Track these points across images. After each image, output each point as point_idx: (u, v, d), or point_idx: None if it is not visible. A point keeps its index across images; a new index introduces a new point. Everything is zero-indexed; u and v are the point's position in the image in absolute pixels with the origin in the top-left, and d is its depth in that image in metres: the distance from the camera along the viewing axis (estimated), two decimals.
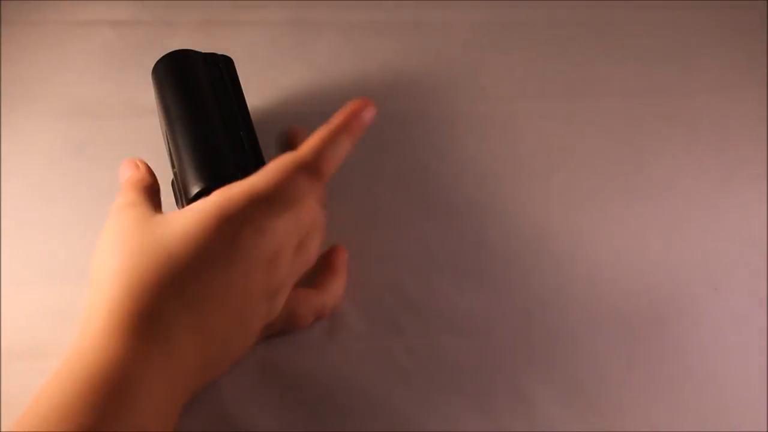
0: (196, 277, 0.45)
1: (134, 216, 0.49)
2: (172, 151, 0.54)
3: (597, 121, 0.67)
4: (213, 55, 0.59)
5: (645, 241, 0.60)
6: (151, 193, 0.52)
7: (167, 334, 0.44)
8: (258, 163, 0.53)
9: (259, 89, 0.69)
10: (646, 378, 0.53)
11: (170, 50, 0.58)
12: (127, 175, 0.54)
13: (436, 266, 0.58)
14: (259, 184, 0.47)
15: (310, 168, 0.48)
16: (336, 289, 0.55)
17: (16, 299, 0.56)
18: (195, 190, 0.51)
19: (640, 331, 0.55)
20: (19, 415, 0.43)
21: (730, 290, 0.57)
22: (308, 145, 0.49)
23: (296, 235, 0.49)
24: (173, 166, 0.54)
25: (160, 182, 0.54)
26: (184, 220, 0.46)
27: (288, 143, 0.54)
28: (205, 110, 0.55)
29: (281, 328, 0.53)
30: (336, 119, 0.50)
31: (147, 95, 0.68)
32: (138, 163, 0.54)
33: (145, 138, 0.64)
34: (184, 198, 0.52)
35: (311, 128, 0.51)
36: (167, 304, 0.44)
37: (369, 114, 0.51)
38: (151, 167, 0.54)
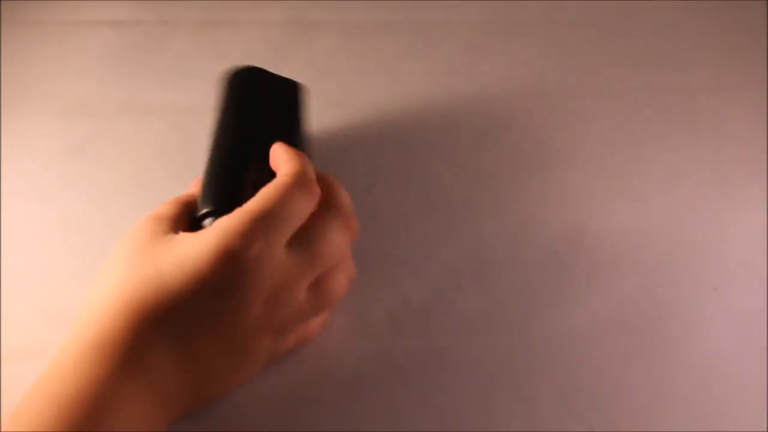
0: (184, 305, 0.44)
1: (148, 230, 0.47)
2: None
3: (597, 121, 0.67)
4: (287, 81, 0.57)
5: (645, 240, 0.60)
6: (187, 210, 0.50)
7: (147, 361, 0.43)
8: None
9: None
10: (646, 378, 0.53)
11: (249, 65, 0.57)
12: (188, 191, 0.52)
13: (435, 266, 0.58)
14: (259, 207, 0.45)
15: (308, 185, 0.47)
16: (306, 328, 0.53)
17: (16, 299, 0.56)
18: (202, 210, 0.49)
19: (640, 331, 0.55)
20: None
21: (730, 290, 0.57)
22: (296, 162, 0.48)
23: (308, 269, 0.46)
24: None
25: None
26: (184, 245, 0.45)
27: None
28: (246, 134, 0.53)
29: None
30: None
31: (147, 95, 0.68)
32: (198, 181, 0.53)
33: (145, 138, 0.64)
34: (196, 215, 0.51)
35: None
36: (151, 329, 0.43)
37: None
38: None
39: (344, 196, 0.48)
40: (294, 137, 0.54)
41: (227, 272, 0.44)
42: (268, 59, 0.71)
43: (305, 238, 0.46)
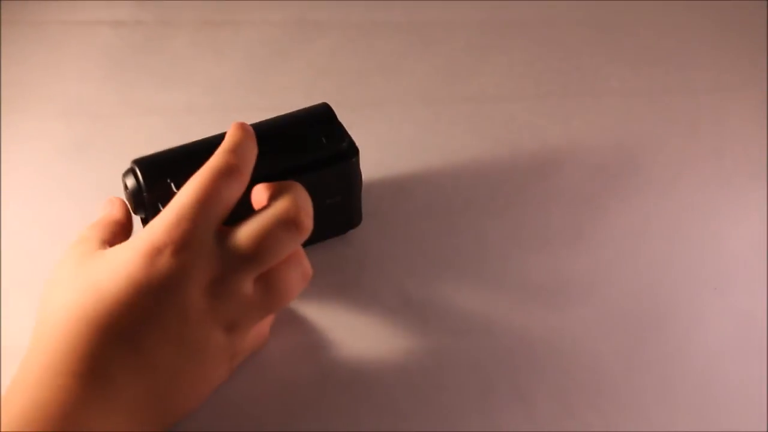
0: (126, 309, 0.44)
1: (78, 252, 0.48)
2: None
3: (596, 121, 0.67)
4: (350, 145, 0.55)
5: (645, 241, 0.60)
6: (114, 230, 0.51)
7: (104, 373, 0.43)
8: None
9: (259, 89, 0.69)
10: (646, 378, 0.53)
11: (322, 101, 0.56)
12: (102, 213, 0.53)
13: (435, 266, 0.58)
14: (181, 199, 0.46)
15: (232, 170, 0.47)
16: (259, 328, 0.52)
17: (16, 299, 0.56)
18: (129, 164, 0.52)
19: (640, 331, 0.55)
20: None
21: (730, 290, 0.57)
22: (221, 149, 0.48)
23: (246, 261, 0.46)
24: None
25: None
26: (116, 254, 0.46)
27: None
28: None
29: None
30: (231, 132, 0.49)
31: (147, 95, 0.68)
32: (113, 200, 0.54)
33: (145, 138, 0.64)
34: None
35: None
36: (101, 341, 0.43)
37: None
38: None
39: (293, 197, 0.47)
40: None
41: (157, 267, 0.44)
42: (268, 59, 0.71)
43: (242, 230, 0.46)
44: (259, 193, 0.49)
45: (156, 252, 0.44)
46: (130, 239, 0.47)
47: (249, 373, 0.53)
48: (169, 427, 0.47)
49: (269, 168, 0.53)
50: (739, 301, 0.56)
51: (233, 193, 0.47)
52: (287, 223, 0.47)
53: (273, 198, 0.48)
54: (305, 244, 0.58)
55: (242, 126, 0.49)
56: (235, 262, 0.46)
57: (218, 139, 0.54)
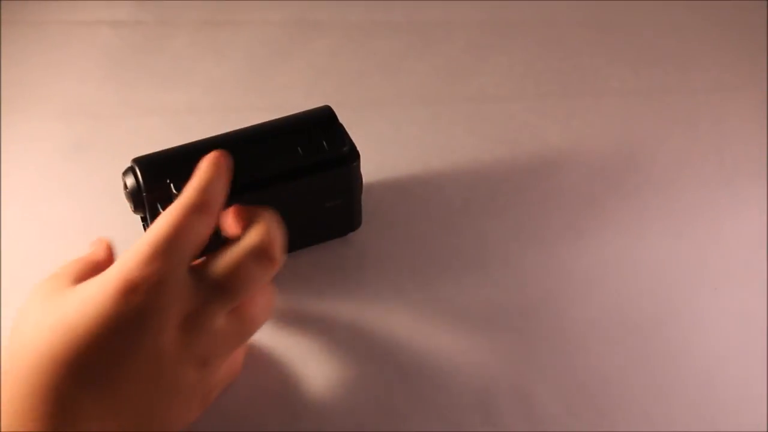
0: (96, 347, 0.42)
1: (48, 287, 0.46)
2: None
3: (596, 121, 0.67)
4: (351, 149, 0.55)
5: (645, 240, 0.60)
6: (90, 268, 0.49)
7: (74, 415, 0.42)
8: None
9: (259, 89, 0.69)
10: (646, 378, 0.53)
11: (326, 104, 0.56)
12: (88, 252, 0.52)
13: (435, 266, 0.58)
14: (153, 234, 0.44)
15: (203, 207, 0.46)
16: (232, 361, 0.51)
17: (16, 299, 0.56)
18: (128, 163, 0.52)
19: (640, 331, 0.55)
20: None
21: (730, 290, 0.57)
22: (191, 186, 0.46)
23: (219, 295, 0.45)
24: None
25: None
26: (87, 289, 0.44)
27: None
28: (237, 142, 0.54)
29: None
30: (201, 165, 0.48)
31: (147, 95, 0.68)
32: (101, 240, 0.52)
33: (145, 138, 0.64)
34: None
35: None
36: (71, 382, 0.42)
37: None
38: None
39: (266, 227, 0.47)
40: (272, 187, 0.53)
41: (130, 303, 0.42)
42: (268, 59, 0.71)
43: (215, 264, 0.45)
44: (230, 219, 0.48)
45: (129, 289, 0.43)
46: (102, 273, 0.44)
47: (250, 373, 0.53)
48: None
49: (269, 170, 0.53)
50: (739, 301, 0.56)
51: (204, 230, 0.46)
52: (260, 256, 0.46)
53: (246, 226, 0.47)
54: (305, 245, 0.58)
55: (215, 162, 0.48)
56: (209, 297, 0.45)
57: (218, 139, 0.54)
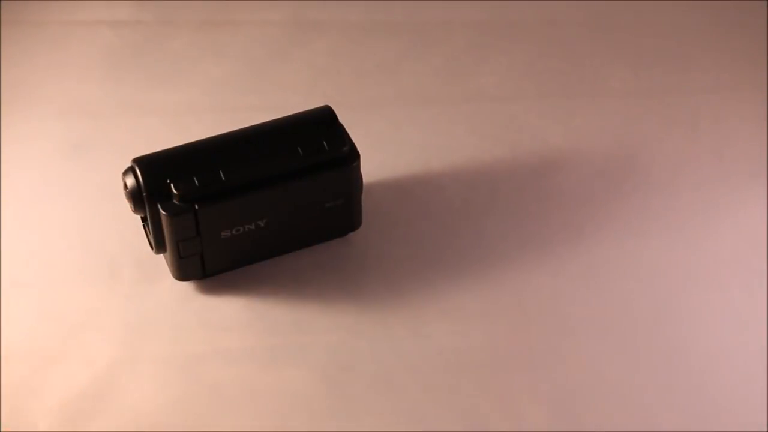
0: None
1: None
2: None
3: (596, 121, 0.67)
4: (351, 149, 0.55)
5: (644, 240, 0.60)
6: None
7: None
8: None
9: (259, 89, 0.69)
10: (646, 378, 0.53)
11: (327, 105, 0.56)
12: None
13: (435, 266, 0.58)
14: None
15: None
16: None
17: (16, 299, 0.56)
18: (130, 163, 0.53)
19: (640, 331, 0.55)
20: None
21: (730, 290, 0.57)
22: None
23: None
24: None
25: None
26: None
27: None
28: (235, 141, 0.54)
29: None
30: None
31: (147, 95, 0.68)
32: None
33: (145, 138, 0.64)
34: None
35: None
36: None
37: None
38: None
39: None
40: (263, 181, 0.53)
41: None
42: (268, 59, 0.71)
43: None
44: None
45: None
46: None
47: (248, 375, 0.53)
48: None
49: (269, 170, 0.53)
50: (739, 301, 0.56)
51: None
52: None
53: None
54: (305, 245, 0.58)
55: None
56: None
57: (218, 139, 0.54)
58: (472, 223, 0.60)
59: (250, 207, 0.53)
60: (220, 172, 0.52)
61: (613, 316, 0.56)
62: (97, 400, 0.52)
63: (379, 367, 0.53)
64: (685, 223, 0.61)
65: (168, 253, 0.55)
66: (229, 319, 0.55)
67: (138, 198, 0.52)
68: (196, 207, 0.52)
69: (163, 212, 0.52)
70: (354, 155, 0.55)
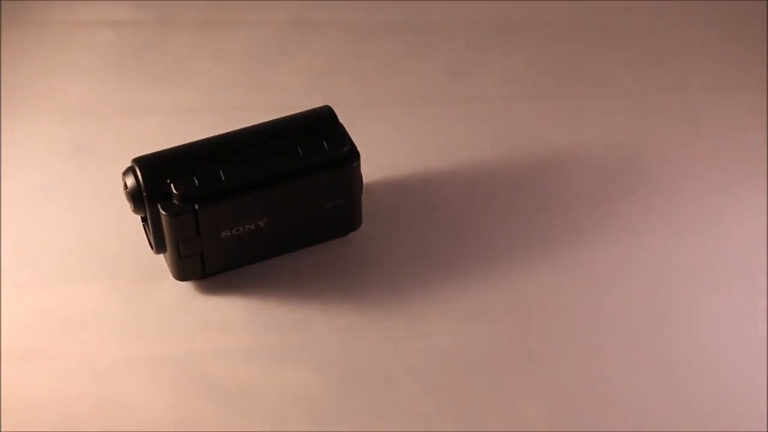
0: None
1: None
2: None
3: (596, 121, 0.67)
4: (351, 149, 0.55)
5: (645, 240, 0.60)
6: None
7: None
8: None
9: (259, 89, 0.69)
10: (646, 378, 0.53)
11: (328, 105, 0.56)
12: None
13: (435, 266, 0.58)
14: None
15: None
16: None
17: (16, 300, 0.56)
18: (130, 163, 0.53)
19: (640, 331, 0.55)
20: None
21: (730, 290, 0.57)
22: None
23: None
24: None
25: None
26: None
27: None
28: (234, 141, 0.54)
29: None
30: None
31: (147, 95, 0.68)
32: None
33: (145, 138, 0.64)
34: None
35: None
36: None
37: None
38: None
39: None
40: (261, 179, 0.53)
41: None
42: (267, 59, 0.71)
43: None
44: None
45: None
46: None
47: (252, 374, 0.53)
48: None
49: (269, 171, 0.53)
50: (739, 301, 0.56)
51: None
52: None
53: None
54: (305, 245, 0.58)
55: None
56: None
57: (218, 139, 0.54)
58: (472, 223, 0.60)
59: (250, 207, 0.53)
60: (220, 172, 0.52)
61: (613, 316, 0.56)
62: (96, 400, 0.52)
63: (379, 367, 0.53)
64: (685, 223, 0.61)
65: (168, 253, 0.55)
66: (229, 319, 0.55)
67: (138, 198, 0.52)
68: (196, 207, 0.52)
69: (163, 212, 0.52)
70: (354, 155, 0.55)
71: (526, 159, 0.65)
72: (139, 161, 0.52)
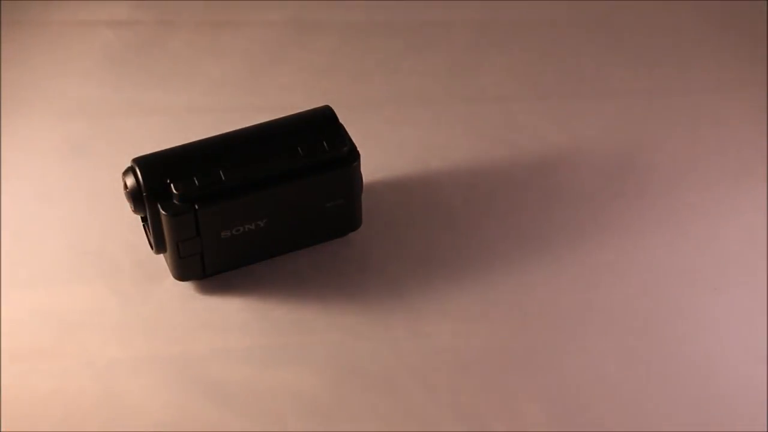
0: None
1: None
2: None
3: (596, 121, 0.67)
4: (351, 149, 0.55)
5: (645, 240, 0.60)
6: None
7: None
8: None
9: (259, 89, 0.69)
10: (646, 378, 0.53)
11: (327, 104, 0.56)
12: None
13: (435, 266, 0.58)
14: None
15: None
16: None
17: (16, 300, 0.56)
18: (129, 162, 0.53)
19: (640, 331, 0.55)
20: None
21: (730, 290, 0.57)
22: None
23: None
24: None
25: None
26: None
27: None
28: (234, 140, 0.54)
29: None
30: None
31: (147, 95, 0.68)
32: None
33: (145, 138, 0.64)
34: None
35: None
36: None
37: None
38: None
39: None
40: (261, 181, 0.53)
41: None
42: (268, 59, 0.71)
43: None
44: None
45: None
46: None
47: (252, 374, 0.53)
48: None
49: (269, 170, 0.53)
50: (739, 301, 0.56)
51: None
52: None
53: None
54: (305, 245, 0.58)
55: None
56: None
57: (218, 139, 0.54)
58: (472, 223, 0.61)
59: (250, 207, 0.54)
60: (220, 172, 0.52)
61: (613, 315, 0.56)
62: (96, 399, 0.52)
63: (379, 367, 0.53)
64: (685, 223, 0.61)
65: (168, 253, 0.55)
66: (229, 319, 0.55)
67: (138, 198, 0.52)
68: (196, 207, 0.52)
69: (163, 212, 0.52)
70: (354, 155, 0.55)
71: (526, 159, 0.65)
72: (139, 161, 0.52)
